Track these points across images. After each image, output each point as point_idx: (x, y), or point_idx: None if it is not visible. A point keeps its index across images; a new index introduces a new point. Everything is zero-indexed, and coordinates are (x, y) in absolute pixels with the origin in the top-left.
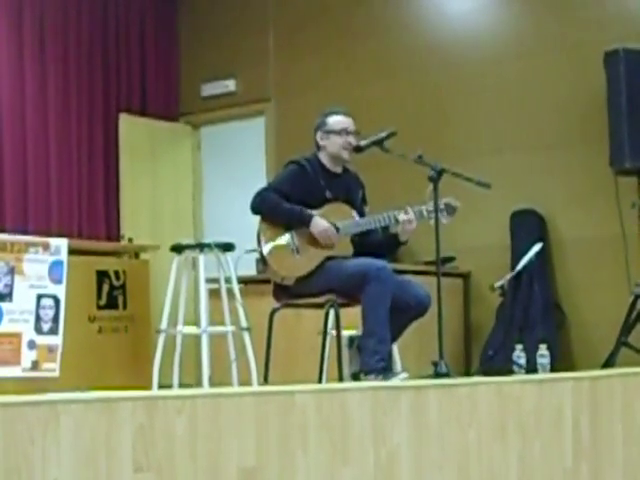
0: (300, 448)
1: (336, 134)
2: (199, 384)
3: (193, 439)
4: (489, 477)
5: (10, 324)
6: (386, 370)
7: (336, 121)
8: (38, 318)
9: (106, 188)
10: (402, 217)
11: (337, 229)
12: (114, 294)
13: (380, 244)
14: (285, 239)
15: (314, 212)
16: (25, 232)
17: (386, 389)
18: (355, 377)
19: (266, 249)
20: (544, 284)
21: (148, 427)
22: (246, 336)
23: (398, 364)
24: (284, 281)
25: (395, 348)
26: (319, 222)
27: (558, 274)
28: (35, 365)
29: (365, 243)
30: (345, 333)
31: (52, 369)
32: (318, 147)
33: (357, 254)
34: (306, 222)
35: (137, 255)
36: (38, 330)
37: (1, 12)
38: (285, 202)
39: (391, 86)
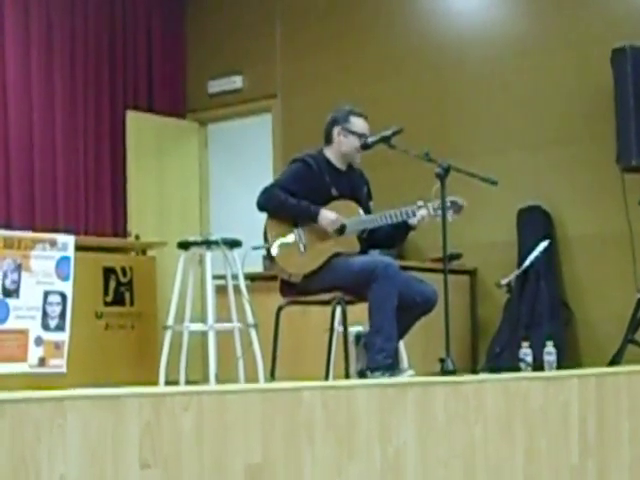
0: (307, 445)
1: (356, 137)
2: (206, 381)
3: (200, 436)
4: (495, 474)
5: (17, 320)
6: (393, 367)
7: (360, 124)
8: (45, 314)
9: (113, 185)
10: (423, 213)
11: (344, 226)
12: (121, 290)
13: (390, 235)
14: (292, 236)
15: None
16: (32, 229)
17: (393, 386)
18: (362, 374)
19: (273, 246)
20: (551, 281)
21: (155, 424)
22: (253, 333)
23: (405, 361)
24: (291, 278)
25: (402, 345)
26: (327, 214)
27: (565, 271)
28: (42, 361)
29: (375, 236)
30: (352, 330)
31: (59, 365)
32: (329, 140)
33: (368, 246)
34: (313, 216)
35: (144, 252)
36: (45, 326)
37: (8, 10)
38: (291, 198)
39: (397, 83)
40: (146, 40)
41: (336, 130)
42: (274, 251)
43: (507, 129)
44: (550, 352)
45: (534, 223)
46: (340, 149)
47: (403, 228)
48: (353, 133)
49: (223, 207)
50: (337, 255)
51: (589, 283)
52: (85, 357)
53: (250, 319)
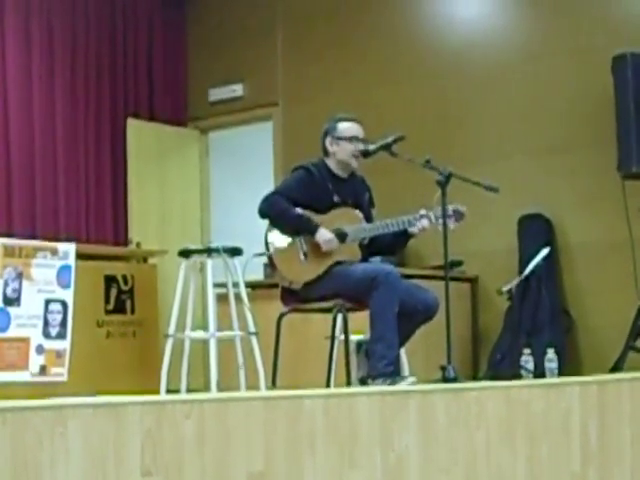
0: (308, 453)
1: (346, 141)
2: (207, 389)
3: (201, 444)
4: None
5: (18, 329)
6: (394, 375)
7: (346, 128)
8: (46, 323)
9: (114, 193)
10: (424, 223)
11: (346, 234)
12: (122, 299)
13: (391, 242)
14: (293, 244)
15: (322, 217)
16: (33, 237)
17: (394, 394)
18: (363, 382)
19: (274, 254)
20: (552, 288)
21: (156, 432)
22: (254, 341)
23: (406, 368)
24: (292, 285)
25: (403, 352)
26: (324, 233)
27: (566, 278)
28: (43, 370)
29: (376, 243)
30: (353, 338)
31: (60, 374)
32: (326, 152)
33: (368, 253)
34: (312, 231)
35: (145, 260)
36: (46, 335)
37: (9, 18)
38: (293, 208)
39: (398, 91)
40: (147, 48)
41: (328, 141)
42: (275, 258)
43: (508, 136)
44: (551, 359)
45: (535, 230)
46: (337, 158)
47: (403, 235)
48: (343, 139)
49: (224, 215)
50: (338, 263)
51: (590, 290)
52: (86, 365)
53: (251, 327)
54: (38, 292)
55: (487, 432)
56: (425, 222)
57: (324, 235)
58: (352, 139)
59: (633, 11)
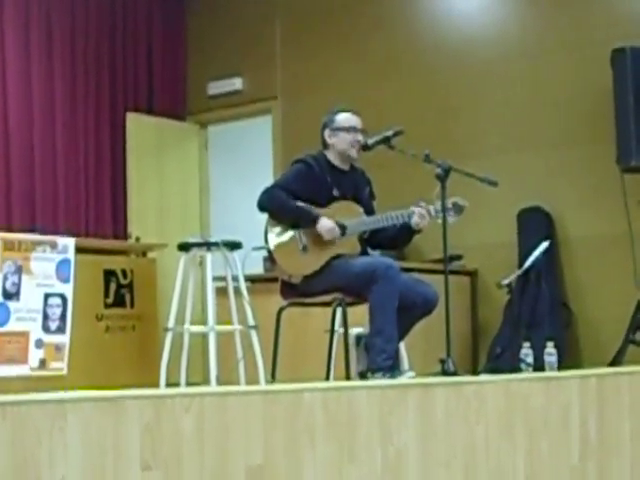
0: (308, 446)
1: (344, 131)
2: (206, 382)
3: (200, 437)
4: (496, 475)
5: (17, 323)
6: (393, 369)
7: (344, 119)
8: (45, 317)
9: (113, 187)
10: (418, 210)
11: (345, 227)
12: (121, 292)
13: (394, 237)
14: (293, 237)
15: (322, 210)
16: (32, 231)
17: (393, 387)
18: (362, 375)
19: (274, 247)
20: (551, 282)
21: (155, 425)
22: (253, 334)
23: (405, 362)
24: (291, 279)
25: (402, 346)
26: (325, 222)
27: (565, 272)
28: (42, 364)
29: (378, 237)
30: (352, 331)
31: (60, 368)
32: (325, 145)
33: (371, 246)
34: (313, 221)
35: (144, 253)
36: (45, 329)
37: (8, 11)
38: (292, 200)
39: (398, 85)
40: (146, 42)
41: (326, 133)
42: (274, 251)
43: (508, 130)
44: (551, 353)
45: (535, 224)
46: (337, 150)
47: (406, 230)
48: (340, 129)
49: (223, 209)
50: (338, 256)
51: (589, 283)
52: (86, 359)
53: (251, 321)
54: (37, 286)
55: (487, 426)
56: (420, 210)
57: (326, 224)
58: (350, 129)
59: (632, 4)
